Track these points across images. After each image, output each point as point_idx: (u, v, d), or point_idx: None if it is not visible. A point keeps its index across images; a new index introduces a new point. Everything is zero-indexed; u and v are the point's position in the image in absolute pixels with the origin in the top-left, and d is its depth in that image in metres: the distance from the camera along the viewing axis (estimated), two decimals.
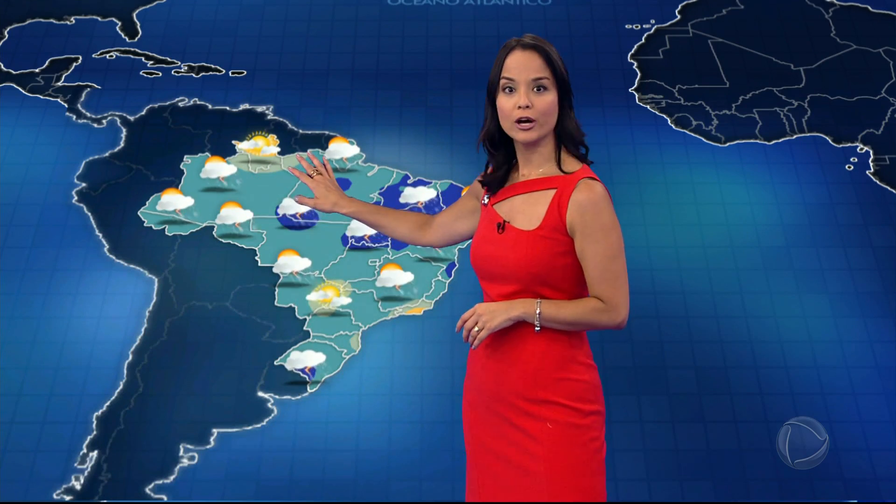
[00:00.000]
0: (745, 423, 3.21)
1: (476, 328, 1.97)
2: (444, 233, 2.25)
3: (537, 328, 1.98)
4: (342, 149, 3.81)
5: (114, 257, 3.56)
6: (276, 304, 3.46)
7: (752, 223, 3.65)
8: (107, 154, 3.83)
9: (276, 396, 3.26)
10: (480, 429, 2.08)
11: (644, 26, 4.24)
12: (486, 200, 2.09)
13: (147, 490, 3.08)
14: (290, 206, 3.67)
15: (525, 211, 2.02)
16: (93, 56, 4.12)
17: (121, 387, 3.27)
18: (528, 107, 1.97)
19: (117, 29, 4.21)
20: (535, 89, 1.99)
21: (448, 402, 3.26)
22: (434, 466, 3.13)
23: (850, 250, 3.60)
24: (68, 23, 4.23)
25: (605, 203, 1.98)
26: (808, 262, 3.57)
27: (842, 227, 3.65)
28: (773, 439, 3.17)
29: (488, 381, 2.06)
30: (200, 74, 4.06)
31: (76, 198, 3.70)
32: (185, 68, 4.08)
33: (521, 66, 1.99)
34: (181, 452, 3.15)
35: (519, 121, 1.98)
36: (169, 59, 4.11)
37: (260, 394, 3.27)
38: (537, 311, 1.97)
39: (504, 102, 2.00)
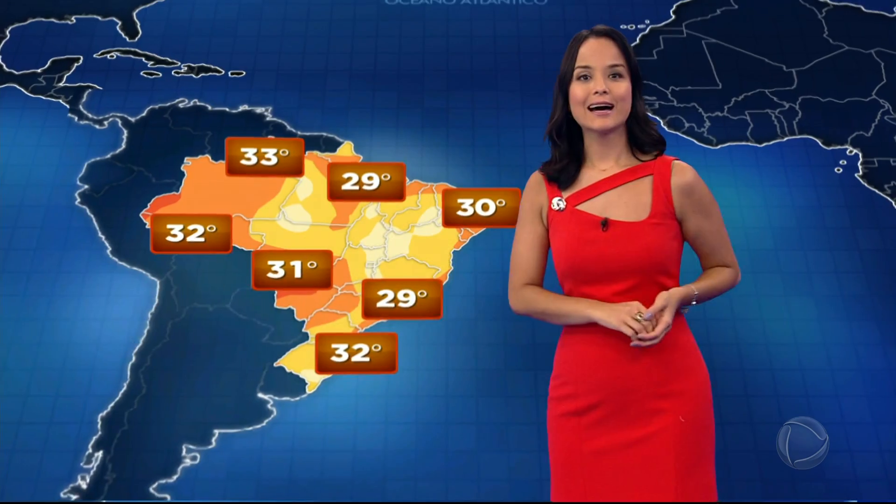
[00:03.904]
0: (731, 425, 3.30)
1: (651, 334, 1.92)
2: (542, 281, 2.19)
3: (685, 311, 2.02)
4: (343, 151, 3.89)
5: (116, 259, 3.64)
6: (275, 306, 3.55)
7: (741, 226, 3.72)
8: (108, 156, 3.89)
9: (276, 398, 3.36)
10: (598, 430, 1.99)
11: (639, 26, 4.28)
12: (562, 205, 2.08)
13: (151, 489, 3.18)
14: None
15: (626, 203, 2.02)
16: (94, 56, 4.16)
17: (124, 388, 3.37)
18: (605, 92, 2.01)
19: (118, 28, 4.25)
20: (610, 76, 2.03)
21: (442, 403, 3.35)
22: (429, 467, 3.23)
23: (837, 253, 3.67)
24: (69, 22, 4.27)
25: (701, 179, 2.09)
26: (796, 264, 3.64)
27: (829, 230, 3.72)
28: (758, 440, 3.26)
29: (616, 378, 1.99)
30: (200, 75, 4.11)
31: (79, 200, 3.78)
32: (185, 69, 4.13)
33: (597, 53, 2.04)
34: (184, 452, 3.25)
35: (596, 108, 2.02)
36: (169, 60, 4.16)
37: (260, 395, 3.36)
38: (695, 293, 2.01)
39: (578, 90, 2.04)
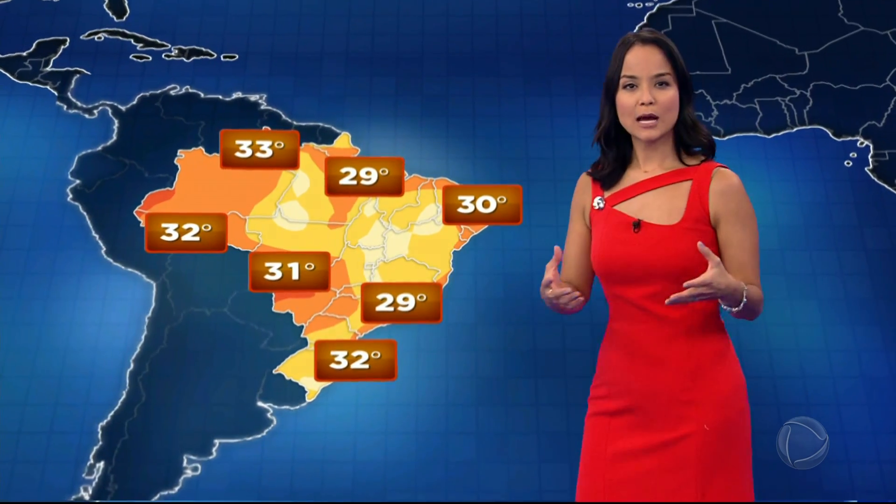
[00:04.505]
0: None
1: (694, 292, 1.86)
2: (586, 280, 2.15)
3: (734, 309, 1.93)
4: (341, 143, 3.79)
5: (111, 260, 3.58)
6: (273, 310, 3.51)
7: None
8: (99, 148, 3.79)
9: (276, 406, 3.36)
10: (625, 432, 2.01)
11: (647, 4, 4.11)
12: (602, 204, 2.08)
13: (153, 500, 3.21)
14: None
15: (661, 206, 2.01)
16: (80, 38, 4.01)
17: (123, 396, 3.36)
18: (651, 103, 2.00)
19: (104, 6, 4.08)
20: (656, 85, 2.01)
21: (442, 412, 3.35)
22: (428, 478, 3.25)
23: (843, 253, 3.61)
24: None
25: (744, 191, 2.02)
26: (801, 265, 3.59)
27: (836, 229, 3.65)
28: (756, 450, 3.26)
29: (643, 383, 2.00)
30: (191, 59, 3.97)
31: (71, 196, 3.69)
32: (176, 52, 3.99)
33: (643, 62, 2.01)
34: (185, 463, 3.27)
35: (642, 118, 2.00)
36: (159, 42, 4.01)
37: (259, 403, 3.36)
38: (745, 289, 1.92)
39: (625, 99, 2.02)
